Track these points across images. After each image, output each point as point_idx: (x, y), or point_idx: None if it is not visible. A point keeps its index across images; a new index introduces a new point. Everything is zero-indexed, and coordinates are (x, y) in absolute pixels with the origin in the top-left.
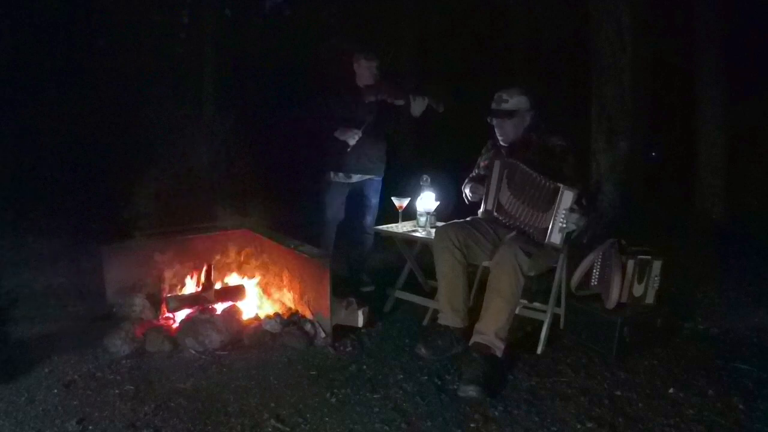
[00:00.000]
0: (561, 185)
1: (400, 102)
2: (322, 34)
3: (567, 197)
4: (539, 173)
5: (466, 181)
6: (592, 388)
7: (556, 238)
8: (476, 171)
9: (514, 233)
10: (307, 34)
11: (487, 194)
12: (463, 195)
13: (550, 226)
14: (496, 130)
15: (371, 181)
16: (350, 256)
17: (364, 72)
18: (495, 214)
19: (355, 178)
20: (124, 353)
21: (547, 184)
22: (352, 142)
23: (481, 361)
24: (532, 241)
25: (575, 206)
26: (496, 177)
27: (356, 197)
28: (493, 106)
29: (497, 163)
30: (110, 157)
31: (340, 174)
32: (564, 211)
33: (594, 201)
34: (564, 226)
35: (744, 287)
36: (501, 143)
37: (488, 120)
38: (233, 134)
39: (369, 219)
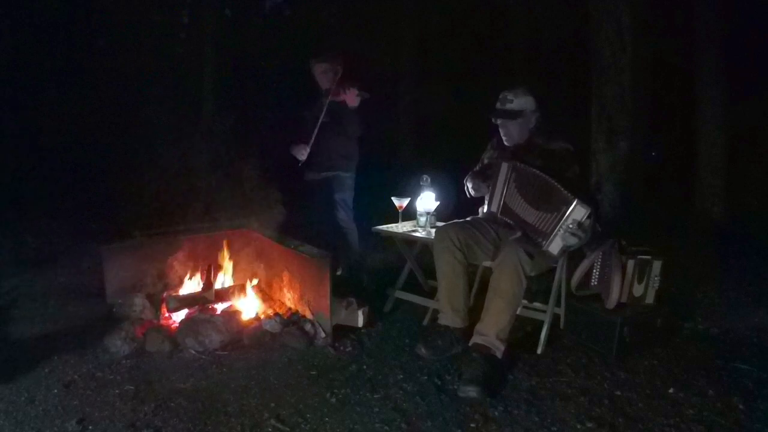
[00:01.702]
0: (576, 198)
1: (340, 98)
2: (322, 34)
3: (578, 212)
4: (554, 178)
5: (469, 175)
6: (592, 388)
7: (554, 248)
8: (479, 166)
9: (517, 234)
10: (307, 34)
11: (492, 196)
12: (465, 189)
13: (552, 235)
14: (500, 130)
15: (336, 176)
16: (348, 256)
17: (320, 77)
18: (500, 216)
19: (322, 174)
20: (124, 353)
21: (563, 192)
22: (301, 157)
23: (481, 361)
24: (533, 242)
25: (582, 223)
26: (502, 179)
27: (326, 194)
28: (498, 105)
29: (504, 165)
30: (110, 157)
31: (311, 173)
32: (570, 225)
33: (599, 220)
34: (565, 239)
35: (744, 287)
36: (505, 143)
37: (492, 120)
38: (233, 134)
39: (342, 213)
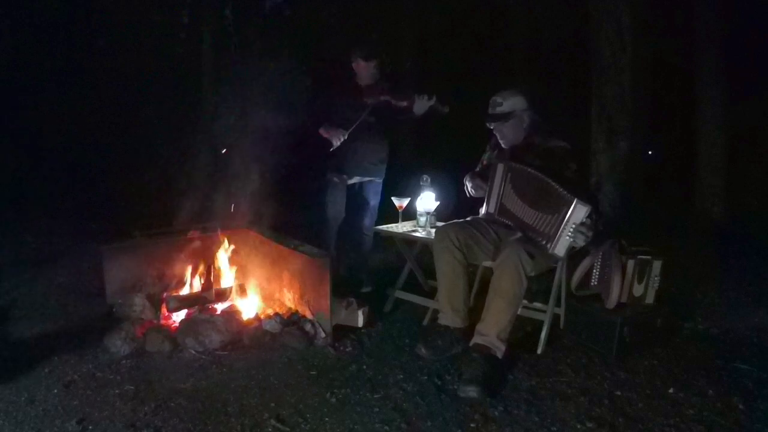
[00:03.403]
0: (576, 198)
1: (403, 103)
2: (322, 34)
3: (579, 212)
4: (550, 178)
5: (468, 175)
6: (592, 388)
7: (560, 250)
8: (479, 167)
9: (517, 234)
10: (307, 34)
11: (489, 196)
12: (465, 188)
13: (556, 237)
14: (496, 133)
15: (371, 183)
16: (350, 257)
17: (363, 72)
18: (497, 216)
19: (355, 179)
20: (124, 353)
21: (561, 192)
22: (336, 143)
23: (481, 360)
24: (535, 243)
25: (585, 222)
26: (498, 179)
27: (356, 198)
28: (489, 110)
29: (500, 166)
30: (110, 157)
31: (340, 176)
32: (573, 225)
33: (601, 217)
34: (571, 240)
35: (744, 287)
36: (503, 146)
37: (487, 125)
38: (233, 134)
39: (368, 220)
